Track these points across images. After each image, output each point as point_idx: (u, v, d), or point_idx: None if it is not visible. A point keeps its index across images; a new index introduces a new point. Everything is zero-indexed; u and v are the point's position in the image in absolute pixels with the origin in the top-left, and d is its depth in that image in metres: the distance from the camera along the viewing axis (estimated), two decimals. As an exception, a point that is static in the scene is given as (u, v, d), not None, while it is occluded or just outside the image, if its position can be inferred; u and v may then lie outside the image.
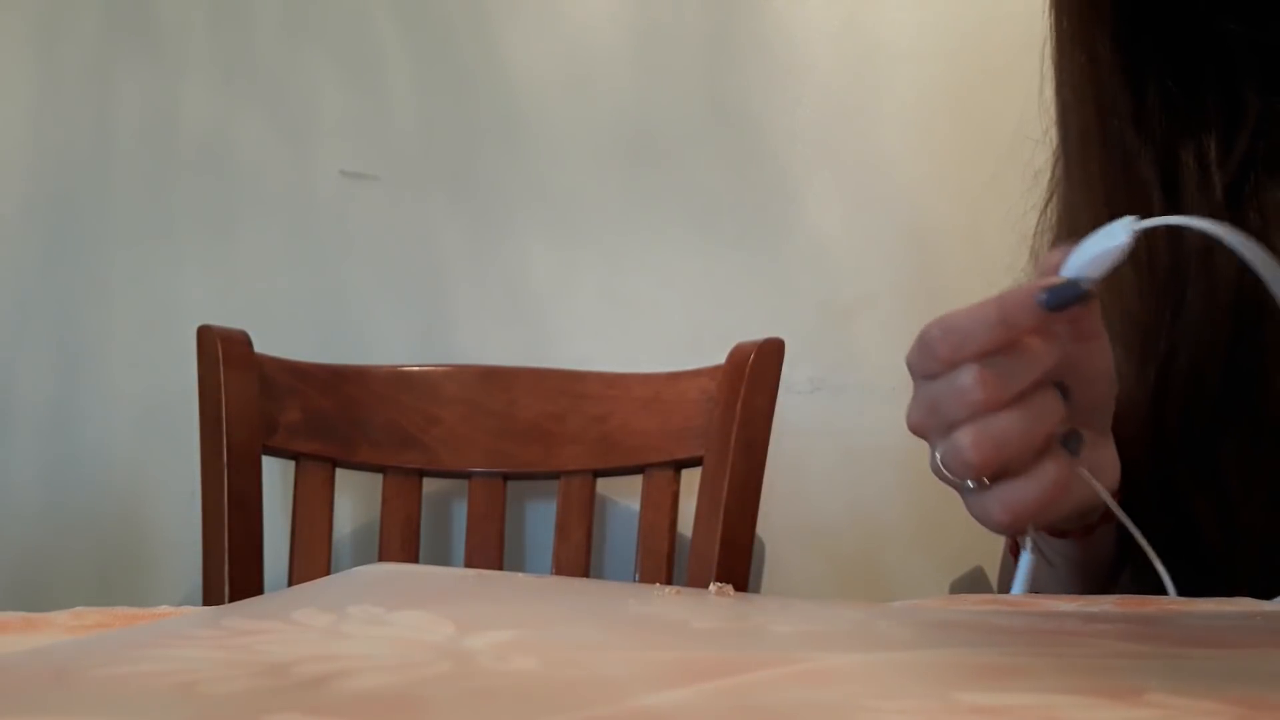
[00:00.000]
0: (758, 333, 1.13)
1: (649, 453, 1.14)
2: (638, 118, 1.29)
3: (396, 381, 1.16)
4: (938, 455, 0.49)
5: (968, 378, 0.46)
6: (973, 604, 0.47)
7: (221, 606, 0.36)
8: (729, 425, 1.09)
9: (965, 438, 0.47)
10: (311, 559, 1.09)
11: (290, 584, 1.06)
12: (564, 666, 0.28)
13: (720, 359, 1.13)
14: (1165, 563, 0.50)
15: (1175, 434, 0.58)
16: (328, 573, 1.07)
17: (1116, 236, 0.44)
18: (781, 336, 1.12)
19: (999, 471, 0.48)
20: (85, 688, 0.24)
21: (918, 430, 0.51)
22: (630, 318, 1.28)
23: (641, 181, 1.29)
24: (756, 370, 1.10)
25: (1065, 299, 0.45)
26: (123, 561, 1.25)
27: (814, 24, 1.29)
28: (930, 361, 0.48)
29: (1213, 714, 0.25)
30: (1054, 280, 0.45)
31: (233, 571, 1.03)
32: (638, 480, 1.15)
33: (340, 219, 1.28)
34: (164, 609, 0.37)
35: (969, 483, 0.49)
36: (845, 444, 1.27)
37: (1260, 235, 0.46)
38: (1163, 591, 0.50)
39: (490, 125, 1.29)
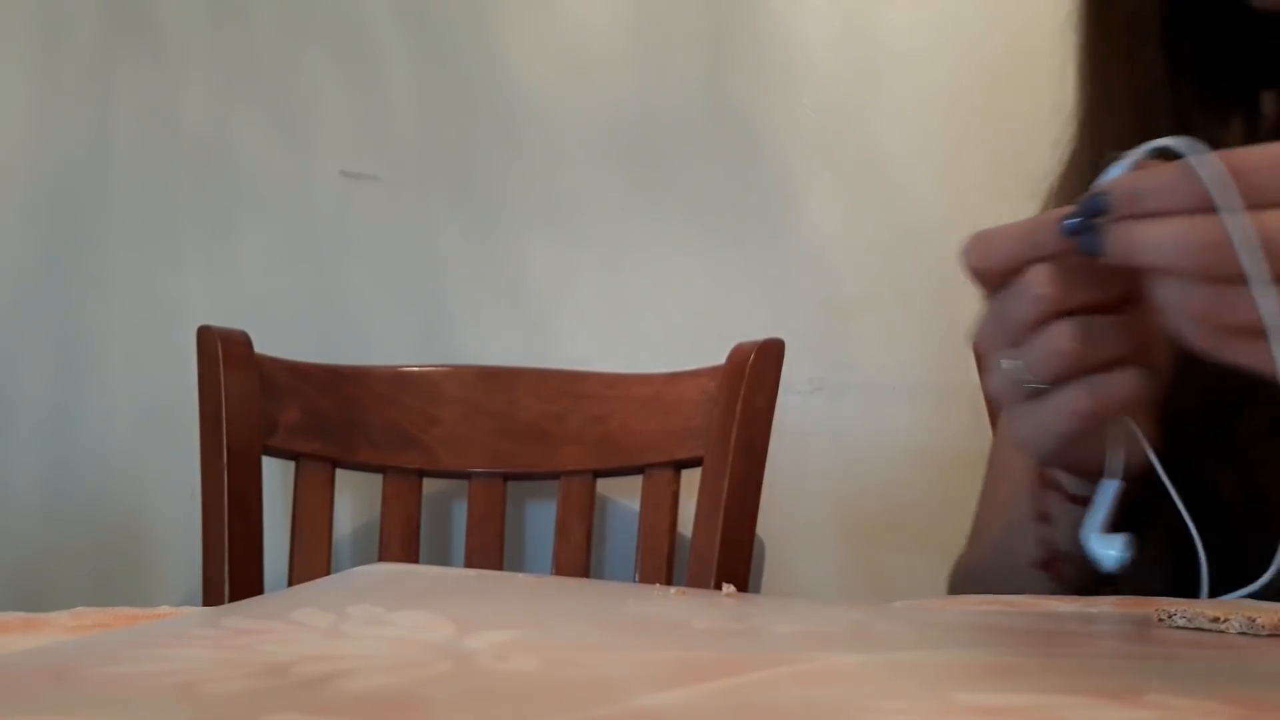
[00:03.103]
0: (758, 333, 1.13)
1: (649, 453, 1.14)
2: (638, 118, 1.29)
3: (396, 381, 1.16)
4: (1019, 360, 0.50)
5: (1037, 275, 0.48)
6: (973, 604, 0.47)
7: (221, 606, 0.36)
8: (729, 425, 1.09)
9: (1063, 328, 0.48)
10: (311, 559, 1.09)
11: (290, 584, 1.06)
12: (564, 666, 0.28)
13: (720, 359, 1.13)
14: (1186, 535, 0.52)
15: (1195, 411, 0.60)
16: (328, 573, 1.07)
17: (1115, 170, 0.48)
18: (781, 336, 1.12)
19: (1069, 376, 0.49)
20: (85, 688, 0.24)
21: (980, 345, 0.52)
22: (630, 318, 1.28)
23: (641, 181, 1.29)
24: (756, 370, 1.10)
25: (1074, 226, 0.48)
26: (123, 561, 1.25)
27: (814, 24, 1.29)
28: (967, 273, 0.50)
29: (1213, 714, 0.25)
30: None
31: (233, 571, 1.03)
32: (638, 480, 1.15)
33: (340, 219, 1.28)
34: (164, 609, 0.37)
35: (1038, 385, 0.49)
36: (845, 444, 1.27)
37: None
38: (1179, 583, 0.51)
39: (490, 125, 1.29)
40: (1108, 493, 0.52)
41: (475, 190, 1.29)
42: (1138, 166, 0.47)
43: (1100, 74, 0.69)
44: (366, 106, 1.29)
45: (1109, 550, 0.51)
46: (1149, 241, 0.46)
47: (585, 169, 1.29)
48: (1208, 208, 0.44)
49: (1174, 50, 0.67)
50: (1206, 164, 0.44)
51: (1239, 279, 0.44)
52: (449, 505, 1.24)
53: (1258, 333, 0.45)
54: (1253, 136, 0.66)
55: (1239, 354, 0.46)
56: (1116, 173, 0.48)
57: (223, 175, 1.28)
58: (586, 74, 1.29)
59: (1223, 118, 0.66)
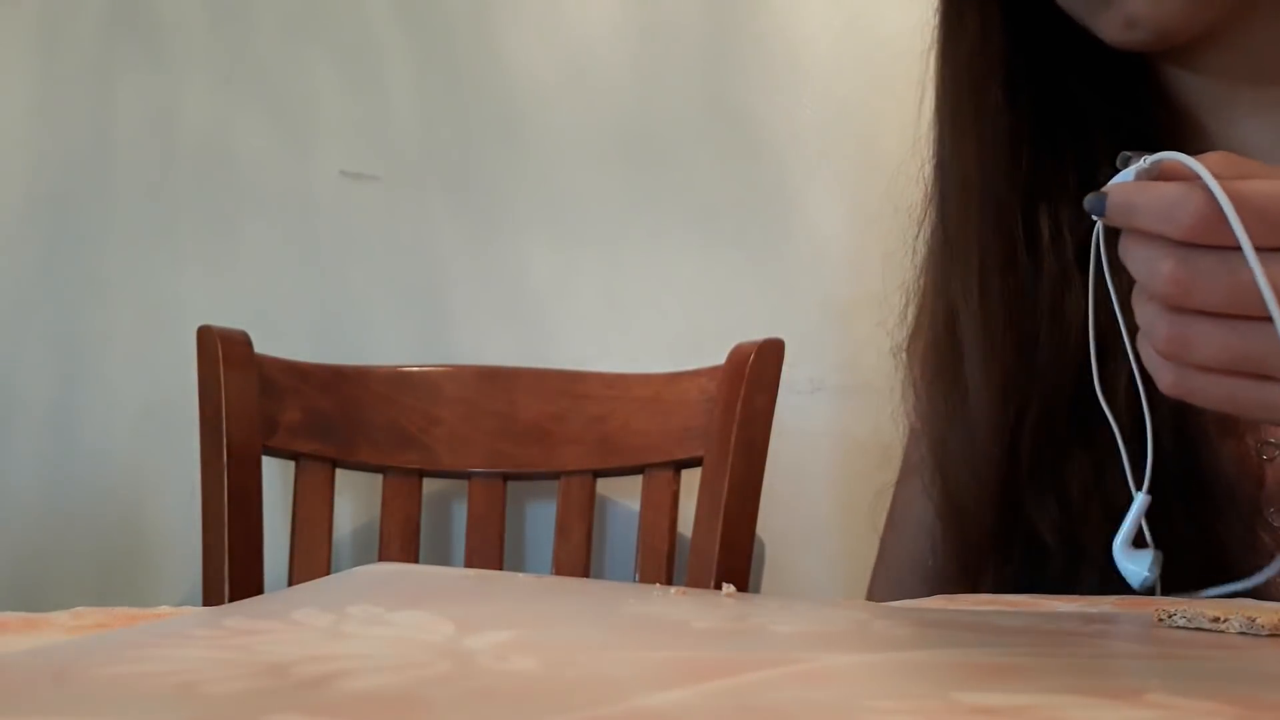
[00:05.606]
0: (758, 333, 1.13)
1: (649, 453, 1.14)
2: (638, 118, 1.29)
3: (396, 381, 1.16)
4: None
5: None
6: (973, 604, 0.47)
7: (221, 606, 0.36)
8: (729, 425, 1.09)
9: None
10: (311, 559, 1.09)
11: (290, 584, 1.06)
12: (564, 666, 0.28)
13: (720, 359, 1.13)
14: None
15: (1028, 460, 0.63)
16: (328, 573, 1.07)
17: (1124, 173, 0.47)
18: (781, 336, 1.12)
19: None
20: (85, 688, 0.24)
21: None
22: (630, 318, 1.28)
23: (641, 181, 1.29)
24: (756, 370, 1.10)
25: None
26: (123, 561, 1.25)
27: (814, 24, 1.29)
28: None
29: (1213, 714, 0.25)
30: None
31: (233, 571, 1.03)
32: (638, 480, 1.15)
33: (340, 219, 1.28)
34: (164, 609, 0.37)
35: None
36: (845, 444, 1.27)
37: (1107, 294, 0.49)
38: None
39: (490, 125, 1.29)
40: (1138, 506, 0.51)
41: (475, 190, 1.29)
42: (1148, 175, 0.46)
43: (946, 123, 0.73)
44: (366, 106, 1.29)
45: (1136, 567, 0.51)
46: (1135, 259, 0.45)
47: (585, 169, 1.29)
48: (1197, 241, 0.43)
49: (1016, 99, 0.69)
50: (1212, 189, 0.42)
51: (1219, 315, 0.44)
52: (449, 505, 1.24)
53: (1221, 372, 0.44)
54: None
55: (1198, 392, 0.45)
56: (1125, 176, 0.46)
57: (223, 175, 1.28)
58: (586, 74, 1.29)
59: (1059, 187, 0.66)
